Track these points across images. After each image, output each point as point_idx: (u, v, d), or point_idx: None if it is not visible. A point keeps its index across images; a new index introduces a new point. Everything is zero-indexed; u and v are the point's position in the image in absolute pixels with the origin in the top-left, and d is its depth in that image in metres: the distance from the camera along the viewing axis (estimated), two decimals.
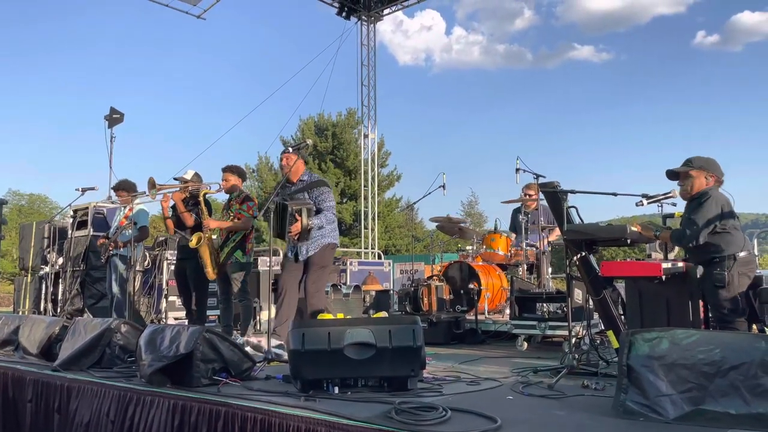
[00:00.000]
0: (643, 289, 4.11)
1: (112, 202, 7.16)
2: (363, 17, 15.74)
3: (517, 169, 6.18)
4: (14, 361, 4.87)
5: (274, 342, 4.63)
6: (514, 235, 7.49)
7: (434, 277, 6.91)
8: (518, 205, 7.57)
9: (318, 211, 5.23)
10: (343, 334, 3.32)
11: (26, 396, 4.39)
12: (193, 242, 5.74)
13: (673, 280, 3.93)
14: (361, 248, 16.18)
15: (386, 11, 16.16)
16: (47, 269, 8.20)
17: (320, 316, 3.88)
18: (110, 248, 6.78)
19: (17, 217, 32.66)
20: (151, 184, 6.13)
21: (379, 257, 14.75)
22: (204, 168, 6.44)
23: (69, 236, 7.98)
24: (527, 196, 7.33)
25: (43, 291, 8.23)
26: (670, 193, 4.09)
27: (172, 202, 6.29)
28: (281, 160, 5.44)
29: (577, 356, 3.84)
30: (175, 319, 7.30)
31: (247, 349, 4.23)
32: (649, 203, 4.05)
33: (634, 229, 3.92)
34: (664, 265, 3.76)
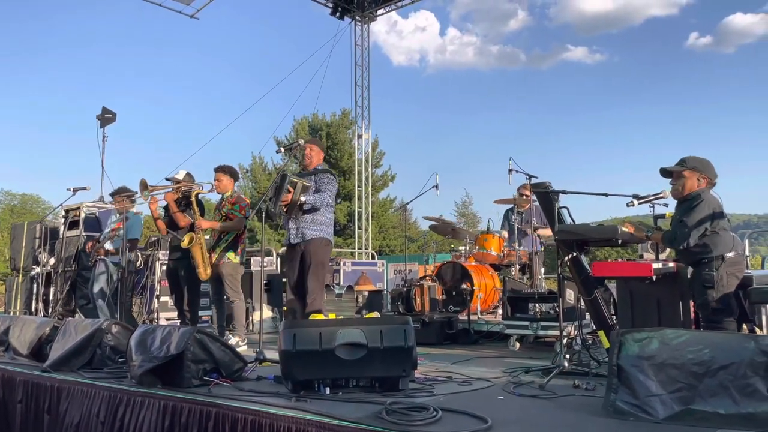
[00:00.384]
0: (634, 290, 4.12)
1: (104, 202, 7.12)
2: (357, 17, 15.74)
3: (510, 170, 6.19)
4: (4, 362, 4.84)
5: None
6: (506, 234, 7.50)
7: (427, 278, 6.91)
8: (511, 205, 7.58)
9: (316, 192, 5.30)
10: (335, 335, 3.32)
11: (16, 397, 4.37)
12: (185, 242, 5.72)
13: (664, 281, 3.94)
14: (354, 248, 16.16)
15: (380, 11, 16.16)
16: (39, 269, 8.15)
17: (312, 317, 3.88)
18: (98, 252, 6.76)
19: (9, 217, 32.51)
20: (143, 186, 6.11)
21: (373, 257, 14.74)
22: (198, 168, 6.41)
23: (61, 236, 7.94)
24: (522, 197, 7.34)
25: (35, 291, 8.18)
26: (660, 193, 4.10)
27: (164, 203, 6.26)
28: (305, 149, 5.63)
29: (568, 356, 3.85)
30: (167, 319, 7.27)
31: None
32: (639, 203, 4.06)
33: (625, 229, 3.93)
34: (655, 266, 3.78)
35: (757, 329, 4.46)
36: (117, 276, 6.55)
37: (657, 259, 4.33)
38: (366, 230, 16.29)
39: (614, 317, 4.35)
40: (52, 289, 7.92)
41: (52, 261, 8.04)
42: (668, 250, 4.64)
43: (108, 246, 6.73)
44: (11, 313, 8.44)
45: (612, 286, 5.12)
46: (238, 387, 3.52)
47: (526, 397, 3.29)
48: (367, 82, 16.01)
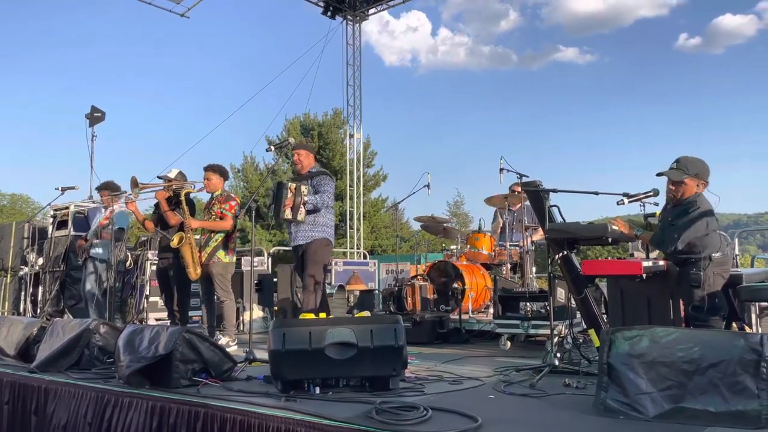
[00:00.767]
0: (624, 288, 4.12)
1: (93, 202, 7.07)
2: (348, 17, 15.71)
3: (501, 169, 6.19)
4: None
5: None
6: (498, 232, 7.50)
7: (418, 277, 6.90)
8: (501, 205, 7.58)
9: (315, 193, 5.44)
10: (325, 334, 3.30)
11: (3, 398, 4.33)
12: (174, 242, 5.68)
13: (654, 279, 3.94)
14: (346, 248, 16.13)
15: (371, 11, 16.14)
16: (27, 270, 8.08)
17: (301, 316, 3.86)
18: (88, 250, 6.71)
19: None
20: (134, 183, 6.06)
21: (365, 257, 14.72)
22: (189, 168, 6.36)
23: (49, 236, 7.87)
24: (515, 193, 7.34)
25: (23, 292, 8.11)
26: (650, 192, 4.10)
27: (155, 201, 6.22)
28: (293, 156, 5.77)
29: (559, 355, 3.84)
30: (157, 319, 7.22)
31: None
32: (630, 202, 4.06)
33: (615, 227, 3.93)
34: (645, 264, 3.78)
35: (746, 327, 4.48)
36: (106, 276, 6.50)
37: (647, 258, 4.33)
38: (358, 230, 16.27)
39: (605, 316, 4.35)
40: (40, 290, 7.85)
41: (40, 261, 7.97)
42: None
43: (98, 249, 6.67)
44: None
45: (602, 284, 5.14)
46: (228, 387, 3.50)
47: (516, 395, 3.28)
48: (359, 81, 16.00)
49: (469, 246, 7.28)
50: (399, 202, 8.05)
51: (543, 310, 5.70)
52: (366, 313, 4.58)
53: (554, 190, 3.95)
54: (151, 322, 7.23)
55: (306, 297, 5.29)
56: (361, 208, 16.85)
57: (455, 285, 6.65)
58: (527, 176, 5.92)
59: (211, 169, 5.99)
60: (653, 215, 4.74)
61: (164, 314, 6.88)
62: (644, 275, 3.72)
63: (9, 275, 8.53)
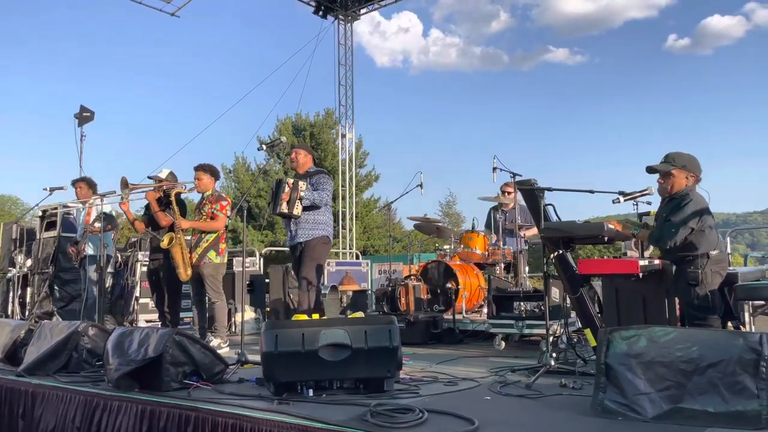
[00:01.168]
0: (619, 287, 4.09)
1: (82, 203, 6.99)
2: (340, 16, 15.64)
3: (494, 168, 6.17)
4: None
5: None
6: (494, 237, 7.47)
7: (412, 277, 6.85)
8: (495, 203, 7.56)
9: (314, 191, 5.50)
10: (318, 335, 3.25)
11: None
12: (164, 243, 5.60)
13: (650, 278, 3.92)
14: (339, 249, 16.05)
15: (363, 11, 16.07)
16: (15, 271, 7.97)
17: (294, 317, 3.80)
18: (81, 252, 6.63)
19: None
20: (124, 184, 5.98)
21: (357, 257, 14.66)
22: (180, 168, 6.29)
23: (37, 237, 7.77)
24: (506, 194, 7.32)
25: (11, 294, 8.00)
26: (646, 190, 4.08)
27: (146, 202, 6.15)
28: (291, 154, 5.86)
29: (555, 355, 3.81)
30: (147, 321, 7.14)
31: None
32: (626, 200, 4.03)
33: (611, 226, 3.90)
34: (641, 263, 3.75)
35: (741, 327, 4.46)
36: (96, 276, 6.42)
37: (642, 257, 4.30)
38: (350, 230, 16.20)
39: (599, 315, 4.32)
40: (29, 291, 7.75)
41: (28, 262, 7.87)
42: (652, 247, 4.62)
43: (90, 251, 6.60)
44: None
45: (596, 284, 5.11)
46: (219, 390, 3.44)
47: (512, 396, 3.24)
48: (351, 81, 15.92)
49: (462, 246, 7.24)
50: (392, 202, 8.02)
51: (536, 310, 5.67)
52: (360, 314, 4.54)
53: (549, 189, 3.92)
54: (142, 323, 7.16)
55: (302, 294, 5.26)
56: (354, 209, 16.78)
57: (449, 285, 6.61)
58: (520, 175, 5.90)
59: (201, 168, 5.92)
60: (647, 214, 4.72)
61: (155, 316, 6.81)
62: (641, 274, 3.69)
63: None
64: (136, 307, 7.33)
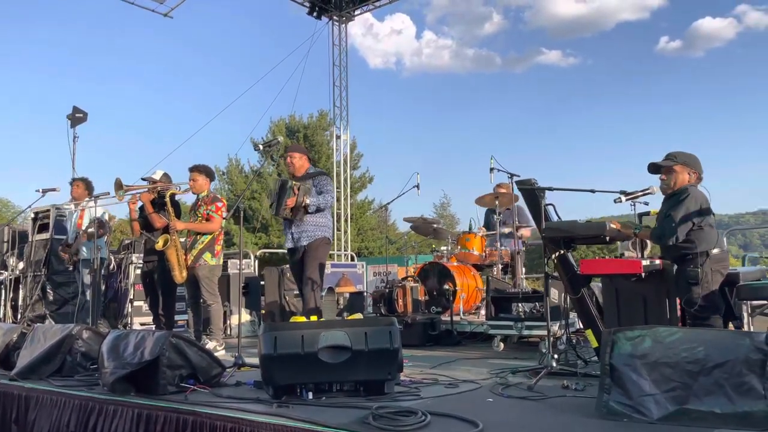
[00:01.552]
0: (620, 288, 4.06)
1: (75, 204, 6.91)
2: (334, 17, 15.61)
3: (492, 169, 6.13)
4: None
5: None
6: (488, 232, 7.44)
7: (409, 278, 6.81)
8: (491, 206, 7.52)
9: (319, 194, 5.43)
10: (317, 337, 3.20)
11: None
12: (159, 244, 5.54)
13: (650, 278, 3.89)
14: (334, 251, 16.00)
15: (357, 12, 16.05)
16: (7, 274, 7.88)
17: (293, 319, 3.75)
18: (75, 257, 6.56)
19: None
20: (118, 185, 5.91)
21: (353, 259, 14.62)
22: (173, 171, 6.22)
23: (30, 240, 7.68)
24: (500, 195, 7.28)
25: (3, 297, 7.91)
26: (648, 189, 4.05)
27: (140, 203, 6.08)
28: (286, 158, 5.73)
29: (556, 356, 3.77)
30: (141, 324, 7.06)
31: None
32: (627, 200, 4.01)
33: (613, 226, 3.87)
34: (644, 263, 3.72)
35: (743, 327, 4.44)
36: (89, 279, 6.35)
37: (641, 257, 4.27)
38: (345, 232, 16.16)
39: (600, 316, 4.29)
40: (21, 294, 7.66)
41: (21, 265, 7.78)
42: (649, 248, 4.60)
43: (84, 255, 6.53)
44: None
45: (593, 285, 5.08)
46: (217, 393, 3.39)
47: (515, 398, 3.20)
48: (345, 82, 15.89)
49: (459, 247, 7.21)
50: (388, 203, 7.99)
51: (535, 311, 5.64)
52: (359, 316, 4.49)
53: (550, 188, 3.89)
54: (136, 326, 7.08)
55: (308, 293, 5.24)
56: (348, 210, 16.73)
57: (446, 286, 6.57)
58: (518, 176, 5.87)
59: (196, 169, 5.86)
60: (647, 214, 4.70)
61: (149, 319, 6.73)
62: (643, 274, 3.66)
63: None
64: (129, 310, 7.26)
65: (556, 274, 4.28)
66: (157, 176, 6.17)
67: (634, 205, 4.64)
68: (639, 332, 2.79)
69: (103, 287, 7.21)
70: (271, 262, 15.18)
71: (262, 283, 7.88)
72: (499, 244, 6.99)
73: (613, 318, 4.07)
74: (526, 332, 5.41)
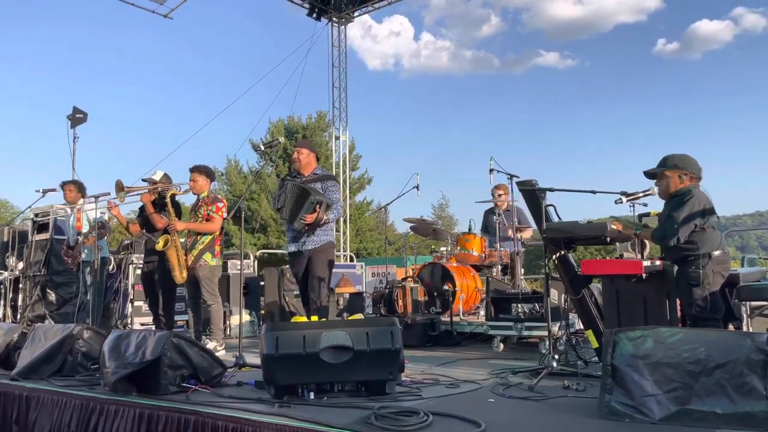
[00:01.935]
0: (620, 288, 4.06)
1: (71, 207, 6.91)
2: (333, 18, 15.60)
3: (491, 170, 6.13)
4: None
5: None
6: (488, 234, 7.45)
7: (409, 279, 6.81)
8: (491, 205, 7.53)
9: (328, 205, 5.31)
10: (319, 337, 3.20)
11: None
12: (159, 245, 5.54)
13: (651, 279, 3.90)
14: None
15: (356, 13, 16.04)
16: (6, 274, 7.87)
17: (294, 319, 3.75)
18: (77, 257, 6.56)
19: None
20: (119, 187, 5.91)
21: (352, 260, 14.61)
22: (172, 171, 6.22)
23: (29, 240, 7.67)
24: (498, 197, 7.30)
25: (3, 297, 7.90)
26: (649, 190, 4.04)
27: (141, 204, 6.09)
28: (293, 153, 5.53)
29: (557, 356, 3.78)
30: (142, 324, 7.06)
31: None
32: (628, 200, 4.01)
33: (613, 227, 3.87)
34: (645, 263, 3.73)
35: (743, 328, 4.44)
36: (90, 280, 6.34)
37: (641, 258, 4.28)
38: (344, 233, 16.15)
39: (600, 317, 4.29)
40: (20, 295, 7.65)
41: (20, 265, 7.77)
42: (648, 249, 4.60)
43: (84, 256, 6.52)
44: None
45: (592, 286, 5.09)
46: (218, 393, 3.39)
47: (516, 399, 3.21)
48: (345, 83, 15.87)
49: (459, 247, 7.21)
50: (387, 204, 7.95)
51: (535, 312, 5.64)
52: (359, 316, 4.49)
53: (551, 189, 3.89)
54: (136, 327, 7.07)
55: (316, 296, 5.19)
56: (348, 211, 16.73)
57: (446, 287, 6.58)
58: (518, 176, 5.87)
59: (197, 170, 5.86)
60: (647, 215, 4.70)
61: (149, 319, 6.73)
62: (644, 275, 3.67)
63: None
64: (130, 310, 7.25)
65: (556, 274, 4.29)
66: (157, 177, 6.17)
67: (634, 206, 4.65)
68: (641, 333, 2.80)
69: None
70: (271, 263, 15.16)
71: (262, 283, 7.88)
72: (498, 245, 6.99)
73: (614, 319, 4.07)
74: (525, 333, 5.41)
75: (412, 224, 7.79)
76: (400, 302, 6.45)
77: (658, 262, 3.98)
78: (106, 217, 6.75)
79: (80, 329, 4.29)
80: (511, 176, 5.97)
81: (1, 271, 8.00)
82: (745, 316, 4.86)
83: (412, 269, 7.49)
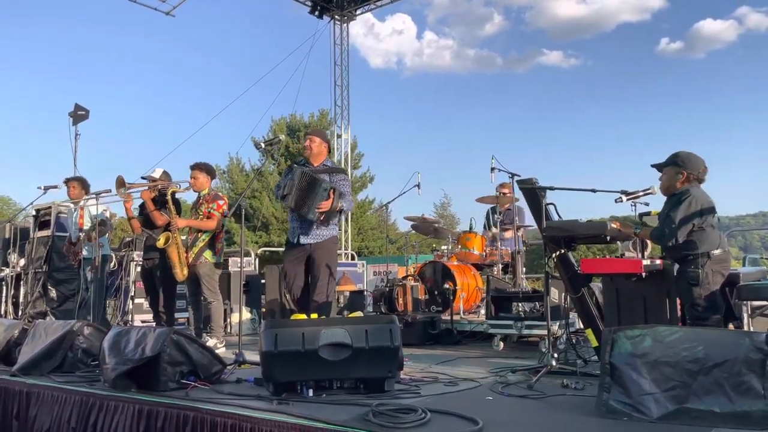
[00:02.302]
0: (620, 287, 4.06)
1: (74, 203, 6.93)
2: (336, 16, 15.62)
3: (492, 168, 6.13)
4: None
5: None
6: (492, 232, 7.45)
7: (410, 277, 6.82)
8: (493, 204, 7.54)
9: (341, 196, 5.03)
10: (318, 335, 3.20)
11: None
12: (160, 242, 5.55)
13: (651, 278, 3.90)
14: None
15: (358, 11, 16.05)
16: (8, 271, 7.89)
17: (293, 316, 3.76)
18: (78, 253, 6.57)
19: None
20: (120, 183, 5.92)
21: (353, 258, 14.62)
22: (173, 170, 6.22)
23: (31, 237, 7.69)
24: (502, 195, 7.30)
25: (4, 293, 7.92)
26: (649, 189, 4.04)
27: (140, 201, 6.09)
28: (305, 141, 5.28)
29: (556, 355, 3.78)
30: (142, 321, 7.07)
31: None
32: (628, 199, 4.00)
33: (613, 226, 3.87)
34: (645, 262, 3.72)
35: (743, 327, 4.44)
36: (91, 277, 6.36)
37: (642, 257, 4.28)
38: (345, 231, 16.16)
39: (600, 316, 4.29)
40: (22, 291, 7.67)
41: (22, 262, 7.79)
42: (650, 248, 4.60)
43: (86, 253, 6.54)
44: None
45: (593, 285, 5.09)
46: (217, 390, 3.39)
47: (515, 397, 3.21)
48: (347, 81, 15.89)
49: (460, 246, 7.22)
50: (388, 203, 7.96)
51: (535, 311, 5.65)
52: (359, 313, 4.49)
53: (551, 188, 3.89)
54: (137, 324, 7.09)
55: (320, 291, 4.98)
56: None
57: (446, 285, 6.58)
58: (519, 175, 5.87)
59: (197, 167, 5.87)
60: (648, 214, 4.70)
61: (149, 316, 6.75)
62: (643, 274, 3.67)
63: None
64: (130, 307, 7.27)
65: (556, 273, 4.29)
66: (157, 174, 6.18)
67: (635, 205, 4.65)
68: (639, 331, 2.79)
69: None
70: (272, 261, 15.19)
71: (263, 281, 7.89)
72: (499, 243, 7.00)
73: (613, 318, 4.07)
74: (525, 332, 5.41)
75: (412, 223, 7.80)
76: (401, 300, 6.46)
77: (658, 262, 3.97)
78: (107, 214, 6.77)
79: (80, 326, 4.30)
80: (512, 175, 5.97)
81: (3, 268, 8.03)
82: (745, 316, 4.85)
83: (413, 268, 7.50)
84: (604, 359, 2.80)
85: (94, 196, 6.27)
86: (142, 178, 6.27)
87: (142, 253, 6.70)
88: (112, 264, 7.41)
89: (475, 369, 4.19)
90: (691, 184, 3.92)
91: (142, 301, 7.09)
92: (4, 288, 7.94)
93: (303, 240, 5.05)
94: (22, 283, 7.71)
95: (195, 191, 5.92)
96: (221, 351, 5.31)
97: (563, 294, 4.79)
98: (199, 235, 5.70)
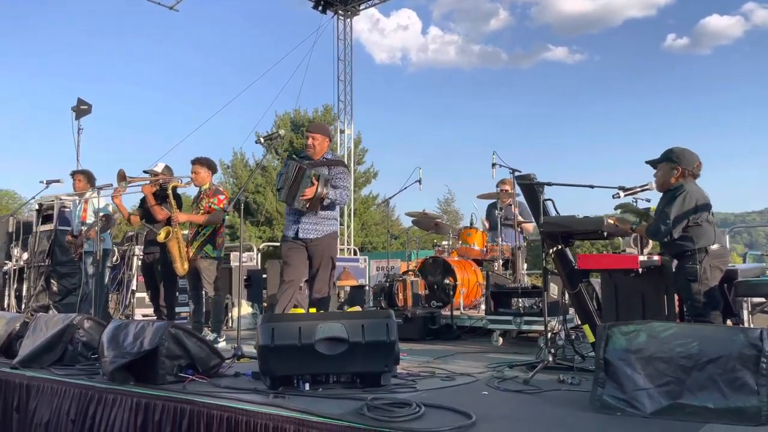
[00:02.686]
0: (618, 283, 4.07)
1: (78, 195, 6.95)
2: (339, 11, 15.59)
3: (494, 164, 6.15)
4: None
5: None
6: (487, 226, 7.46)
7: (410, 273, 6.83)
8: (494, 200, 7.53)
9: (333, 187, 4.95)
10: (315, 329, 3.22)
11: None
12: (161, 236, 5.57)
13: (649, 274, 3.90)
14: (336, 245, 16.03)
15: (362, 6, 16.03)
16: (11, 264, 7.93)
17: (291, 311, 3.77)
18: (80, 247, 6.59)
19: None
20: (121, 176, 5.95)
21: (356, 254, 14.65)
22: (176, 165, 6.25)
23: (34, 230, 7.73)
24: (503, 192, 7.29)
25: (7, 287, 7.96)
26: (647, 185, 4.04)
27: (132, 197, 6.13)
28: (307, 139, 5.17)
29: (553, 351, 3.79)
30: (143, 315, 7.11)
31: None
32: (626, 195, 4.00)
33: (610, 221, 3.87)
34: (641, 258, 3.72)
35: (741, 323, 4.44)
36: (92, 271, 6.38)
37: (642, 253, 4.28)
38: (348, 227, 16.18)
39: (598, 312, 4.30)
40: (24, 285, 7.71)
41: (25, 256, 7.83)
42: (651, 245, 4.60)
43: (87, 246, 6.57)
44: None
45: (594, 281, 5.10)
46: (215, 383, 3.41)
47: (510, 392, 3.22)
48: (350, 77, 15.88)
49: (460, 242, 7.22)
50: (390, 198, 7.98)
51: (535, 306, 5.65)
52: (357, 308, 4.50)
53: (549, 183, 3.89)
54: (138, 317, 7.13)
55: (319, 287, 4.93)
56: (352, 205, 16.76)
57: (446, 281, 6.59)
58: (519, 171, 5.86)
59: (198, 162, 5.89)
60: (647, 210, 4.70)
61: (151, 310, 6.78)
62: (640, 270, 3.67)
63: None
64: (132, 301, 7.30)
65: (555, 269, 4.29)
66: (159, 169, 6.21)
67: (636, 201, 4.64)
68: (634, 327, 2.80)
69: (106, 279, 7.26)
70: (275, 256, 15.22)
71: (265, 276, 7.91)
72: (500, 239, 7.00)
73: (612, 313, 4.08)
74: (525, 327, 5.42)
75: (414, 218, 7.81)
76: (401, 296, 6.48)
77: (655, 257, 3.98)
78: (110, 209, 6.80)
79: (81, 319, 4.32)
80: (513, 171, 5.97)
81: (6, 262, 8.06)
82: (745, 312, 4.85)
83: (414, 263, 7.51)
84: (598, 355, 2.81)
85: (96, 190, 6.29)
86: (145, 172, 6.30)
87: (143, 247, 6.72)
88: (115, 258, 7.45)
89: (472, 364, 4.21)
90: (686, 180, 3.91)
91: (144, 295, 7.13)
92: (7, 282, 7.98)
93: (299, 235, 4.96)
94: (24, 276, 7.75)
95: (196, 186, 5.94)
96: (222, 345, 5.34)
97: (563, 290, 4.79)
98: (200, 229, 5.72)
